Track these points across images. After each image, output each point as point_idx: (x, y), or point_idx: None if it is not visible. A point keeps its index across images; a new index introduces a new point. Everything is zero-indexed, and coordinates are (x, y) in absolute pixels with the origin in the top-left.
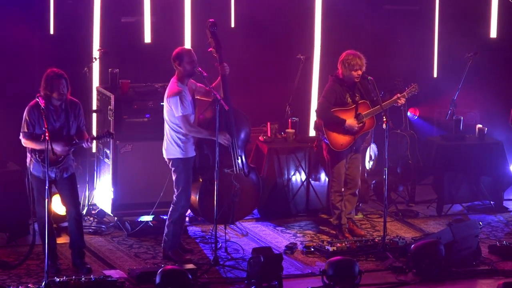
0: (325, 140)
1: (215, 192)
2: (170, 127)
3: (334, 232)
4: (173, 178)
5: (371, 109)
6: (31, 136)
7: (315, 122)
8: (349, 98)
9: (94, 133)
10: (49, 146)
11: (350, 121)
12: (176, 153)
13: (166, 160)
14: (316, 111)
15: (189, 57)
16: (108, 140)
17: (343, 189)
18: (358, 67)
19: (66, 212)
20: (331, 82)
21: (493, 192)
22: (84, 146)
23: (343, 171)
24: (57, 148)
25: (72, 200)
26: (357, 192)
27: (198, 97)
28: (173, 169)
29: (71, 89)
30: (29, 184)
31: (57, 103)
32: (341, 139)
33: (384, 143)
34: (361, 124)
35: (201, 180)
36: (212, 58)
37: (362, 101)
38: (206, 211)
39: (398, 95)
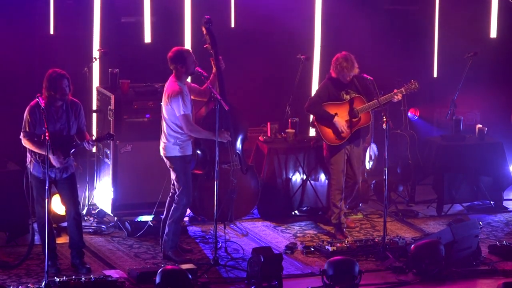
0: (323, 139)
1: (215, 191)
2: (169, 126)
3: (333, 231)
4: (172, 177)
5: (366, 104)
6: (31, 137)
7: (312, 120)
8: (344, 95)
9: (94, 133)
10: (49, 147)
11: (338, 119)
12: (174, 152)
13: (164, 158)
14: (305, 106)
15: (192, 58)
16: (109, 141)
17: (343, 187)
18: (347, 70)
19: (65, 212)
20: (325, 80)
21: (493, 192)
22: (86, 147)
23: (342, 167)
24: (53, 161)
25: (71, 200)
26: (353, 193)
27: (192, 97)
28: (171, 167)
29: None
30: (27, 183)
31: (59, 103)
32: (334, 134)
33: (384, 143)
34: (356, 119)
35: (198, 176)
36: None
37: (356, 95)
38: (203, 207)
39: (395, 90)
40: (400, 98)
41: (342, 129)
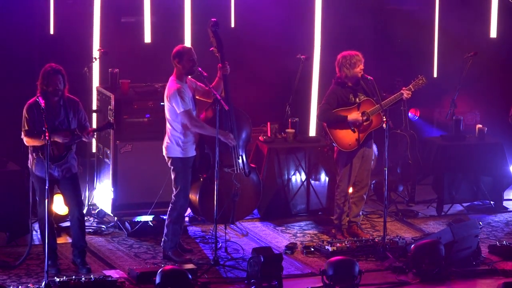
0: (334, 143)
1: (215, 191)
2: (172, 126)
3: (333, 231)
4: (172, 176)
5: (376, 106)
6: (32, 134)
7: (323, 126)
8: (353, 98)
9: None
10: (49, 147)
11: (352, 115)
12: (176, 152)
13: (166, 158)
14: (317, 114)
15: (189, 56)
16: (109, 130)
17: (349, 191)
18: (360, 62)
19: (69, 212)
20: (332, 85)
21: (493, 192)
22: (85, 139)
23: (350, 172)
24: (59, 137)
25: (75, 200)
26: (365, 196)
27: (197, 97)
28: (172, 167)
29: (71, 88)
30: (32, 186)
31: (54, 98)
32: (348, 139)
33: (384, 143)
34: (368, 122)
35: (201, 179)
36: (212, 58)
37: (365, 98)
38: (206, 210)
39: (404, 88)
40: (410, 95)
41: (360, 120)
